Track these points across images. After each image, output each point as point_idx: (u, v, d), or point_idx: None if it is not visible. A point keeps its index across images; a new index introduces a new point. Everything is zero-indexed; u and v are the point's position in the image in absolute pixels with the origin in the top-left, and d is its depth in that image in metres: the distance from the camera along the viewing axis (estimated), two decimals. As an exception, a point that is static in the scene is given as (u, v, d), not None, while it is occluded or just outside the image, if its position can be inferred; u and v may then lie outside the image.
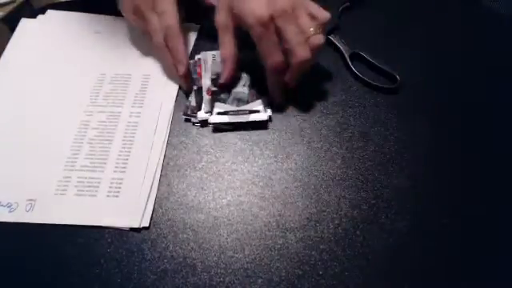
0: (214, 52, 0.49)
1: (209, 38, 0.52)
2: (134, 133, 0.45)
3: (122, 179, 0.42)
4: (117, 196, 0.41)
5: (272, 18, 0.41)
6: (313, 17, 0.43)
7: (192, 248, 0.38)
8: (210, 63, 0.48)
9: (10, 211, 0.40)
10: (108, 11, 0.54)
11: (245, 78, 0.47)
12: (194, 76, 0.48)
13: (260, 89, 0.47)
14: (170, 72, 0.48)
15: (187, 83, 0.47)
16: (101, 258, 0.38)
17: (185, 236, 0.39)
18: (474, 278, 0.38)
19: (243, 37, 0.43)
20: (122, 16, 0.50)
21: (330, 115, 0.47)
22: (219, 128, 0.45)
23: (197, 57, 0.49)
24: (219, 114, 0.45)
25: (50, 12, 0.54)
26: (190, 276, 0.37)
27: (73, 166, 0.42)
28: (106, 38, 0.52)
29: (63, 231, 0.39)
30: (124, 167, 0.42)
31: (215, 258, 0.38)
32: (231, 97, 0.46)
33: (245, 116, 0.45)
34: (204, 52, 0.50)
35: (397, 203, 0.41)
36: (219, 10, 0.43)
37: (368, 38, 0.52)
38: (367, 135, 0.45)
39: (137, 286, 0.36)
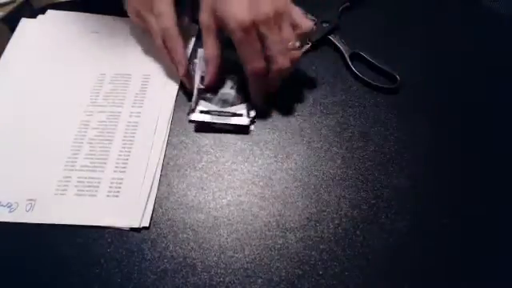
0: None
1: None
2: (134, 133, 0.45)
3: (121, 179, 0.42)
4: (117, 196, 0.41)
5: (254, 24, 0.40)
6: (295, 25, 0.43)
7: (192, 248, 0.38)
8: (201, 61, 0.48)
9: (10, 211, 0.40)
10: (108, 11, 0.54)
11: (233, 80, 0.47)
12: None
13: (246, 89, 0.46)
14: (171, 72, 0.48)
15: (189, 83, 0.47)
16: (101, 258, 0.38)
17: (185, 236, 0.39)
18: (473, 277, 0.38)
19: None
20: (122, 16, 0.50)
21: (329, 115, 0.47)
22: (200, 128, 0.45)
23: (196, 59, 0.49)
24: (202, 112, 0.45)
25: (50, 12, 0.54)
26: (190, 276, 0.37)
27: (73, 165, 0.42)
28: (106, 37, 0.52)
29: (63, 231, 0.39)
30: (124, 167, 0.42)
31: (215, 258, 0.38)
32: (217, 97, 0.46)
33: (227, 118, 0.44)
34: (201, 49, 0.49)
35: (397, 203, 0.41)
36: (202, 11, 0.43)
37: (368, 38, 0.52)
38: (367, 135, 0.45)
39: (137, 285, 0.36)
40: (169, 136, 0.45)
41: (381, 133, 0.46)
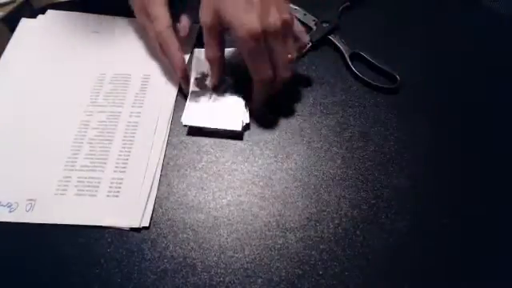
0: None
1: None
2: (134, 133, 0.45)
3: (121, 179, 0.42)
4: (117, 196, 0.41)
5: (264, 34, 0.40)
6: (296, 37, 0.45)
7: (192, 248, 0.38)
8: (195, 62, 0.48)
9: (10, 211, 0.40)
10: (108, 11, 0.54)
11: (227, 82, 0.47)
12: None
13: (242, 93, 0.46)
14: (171, 72, 0.48)
15: (187, 85, 0.47)
16: (101, 258, 0.38)
17: (185, 236, 0.39)
18: (474, 278, 0.38)
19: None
20: (122, 16, 0.50)
21: (329, 115, 0.47)
22: (193, 132, 0.45)
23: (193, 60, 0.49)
24: (194, 116, 0.44)
25: (50, 12, 0.54)
26: (190, 276, 0.37)
27: (73, 165, 0.42)
28: (106, 37, 0.52)
29: (63, 231, 0.39)
30: (124, 167, 0.42)
31: (215, 258, 0.38)
32: (210, 101, 0.45)
33: (219, 123, 0.44)
34: (197, 49, 0.49)
35: (397, 203, 0.41)
36: (203, 9, 0.42)
37: (368, 38, 0.52)
38: (367, 135, 0.46)
39: (137, 285, 0.36)
40: (169, 136, 0.45)
41: (381, 133, 0.46)
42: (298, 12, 0.54)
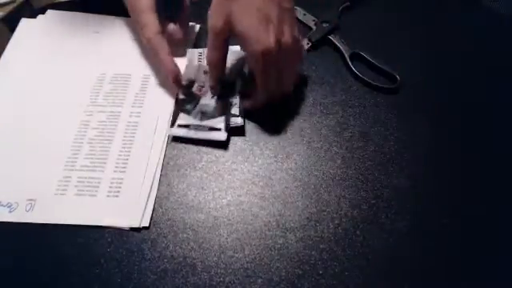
0: (200, 50, 0.49)
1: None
2: (134, 133, 0.45)
3: (122, 179, 0.42)
4: (117, 196, 0.41)
5: (277, 49, 0.40)
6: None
7: (192, 248, 0.38)
8: (187, 68, 0.48)
9: (10, 211, 0.40)
10: (108, 11, 0.54)
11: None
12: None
13: (229, 96, 0.46)
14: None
15: (179, 88, 0.47)
16: (101, 258, 0.38)
17: (185, 236, 0.39)
18: (474, 277, 0.38)
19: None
20: (122, 16, 0.50)
21: (329, 115, 0.47)
22: (178, 140, 0.44)
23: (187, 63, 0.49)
24: (180, 126, 0.44)
25: (49, 12, 0.54)
26: (190, 276, 0.37)
27: (73, 165, 0.42)
28: (105, 37, 0.52)
29: (63, 231, 0.39)
30: (124, 167, 0.42)
31: (215, 258, 0.38)
32: (197, 109, 0.45)
33: (204, 133, 0.44)
34: (191, 50, 0.49)
35: (397, 203, 0.41)
36: (213, 12, 0.41)
37: (368, 38, 0.52)
38: (367, 135, 0.46)
39: (137, 285, 0.36)
40: (169, 136, 0.45)
41: (381, 133, 0.46)
42: (298, 12, 0.54)
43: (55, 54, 0.51)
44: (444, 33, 0.54)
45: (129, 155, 0.43)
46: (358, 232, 0.39)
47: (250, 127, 0.46)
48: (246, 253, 0.38)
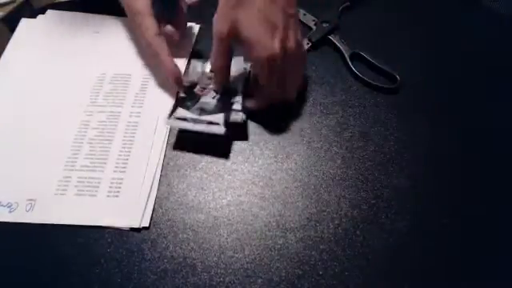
0: (204, 59, 0.49)
1: (209, 39, 0.51)
2: (134, 133, 0.45)
3: (122, 179, 0.42)
4: (117, 196, 0.41)
5: (282, 55, 0.40)
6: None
7: (192, 248, 0.38)
8: (191, 71, 0.48)
9: (10, 211, 0.40)
10: (108, 11, 0.54)
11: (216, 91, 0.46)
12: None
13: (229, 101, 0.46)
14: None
15: (180, 89, 0.47)
16: (101, 258, 0.38)
17: (185, 236, 0.39)
18: (474, 277, 0.38)
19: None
20: (122, 16, 0.50)
21: (329, 115, 0.47)
22: (178, 139, 0.45)
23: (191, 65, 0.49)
24: (178, 119, 0.44)
25: (49, 12, 0.54)
26: (190, 276, 0.37)
27: (73, 166, 0.42)
28: (105, 37, 0.52)
29: (63, 231, 0.39)
30: (124, 167, 0.42)
31: (215, 258, 0.38)
32: (197, 105, 0.45)
33: (203, 126, 0.43)
34: (194, 60, 0.49)
35: (397, 203, 0.41)
36: (219, 17, 0.41)
37: (368, 38, 0.52)
38: (367, 135, 0.45)
39: (137, 285, 0.36)
40: (169, 136, 0.45)
41: (381, 133, 0.46)
42: (298, 12, 0.54)
43: (55, 54, 0.51)
44: (444, 33, 0.54)
45: (129, 155, 0.43)
46: (357, 232, 0.39)
47: (250, 127, 0.46)
48: (246, 253, 0.38)
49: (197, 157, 0.44)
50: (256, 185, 0.42)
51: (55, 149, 0.43)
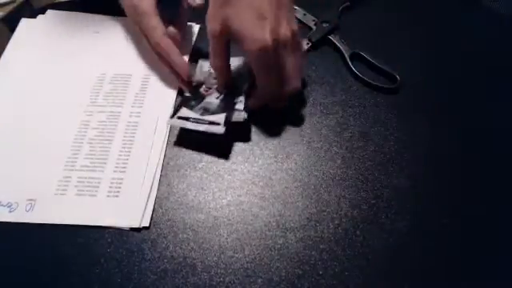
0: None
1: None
2: (134, 133, 0.45)
3: (122, 179, 0.42)
4: (117, 196, 0.41)
5: (274, 46, 0.39)
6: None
7: (192, 248, 0.38)
8: (199, 71, 0.48)
9: (10, 211, 0.40)
10: (108, 11, 0.54)
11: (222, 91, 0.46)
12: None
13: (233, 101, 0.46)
14: (170, 74, 0.48)
15: (187, 89, 0.47)
16: (101, 258, 0.38)
17: (185, 236, 0.39)
18: (474, 277, 0.38)
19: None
20: (122, 16, 0.50)
21: (329, 115, 0.47)
22: (178, 139, 0.45)
23: (198, 64, 0.49)
24: (180, 118, 0.44)
25: (49, 12, 0.54)
26: (190, 276, 0.37)
27: (73, 165, 0.42)
28: (106, 37, 0.52)
29: (63, 231, 0.39)
30: (124, 167, 0.42)
31: (215, 258, 0.38)
32: (200, 105, 0.45)
33: (203, 126, 0.43)
34: (201, 61, 0.49)
35: (397, 203, 0.41)
36: (210, 16, 0.41)
37: (368, 38, 0.52)
38: (367, 135, 0.46)
39: (137, 285, 0.36)
40: (169, 136, 0.45)
41: (381, 133, 0.46)
42: (298, 12, 0.54)
43: (55, 54, 0.51)
44: (444, 33, 0.54)
45: (129, 155, 0.43)
46: (357, 232, 0.39)
47: (250, 127, 0.46)
48: (246, 253, 0.38)
49: (197, 157, 0.44)
50: (256, 185, 0.42)
51: (55, 149, 0.43)
